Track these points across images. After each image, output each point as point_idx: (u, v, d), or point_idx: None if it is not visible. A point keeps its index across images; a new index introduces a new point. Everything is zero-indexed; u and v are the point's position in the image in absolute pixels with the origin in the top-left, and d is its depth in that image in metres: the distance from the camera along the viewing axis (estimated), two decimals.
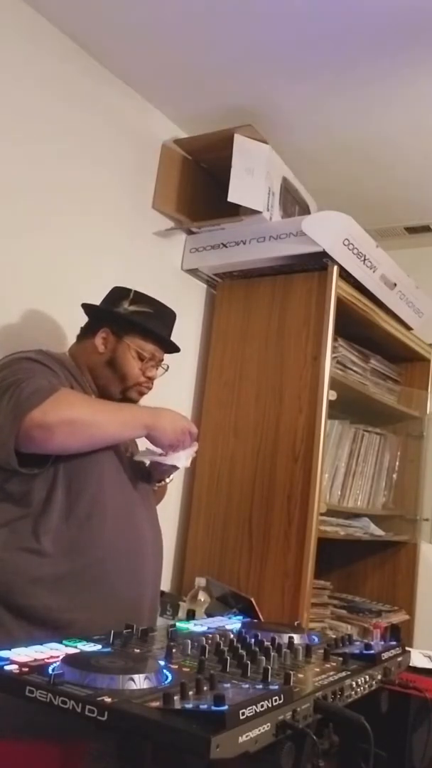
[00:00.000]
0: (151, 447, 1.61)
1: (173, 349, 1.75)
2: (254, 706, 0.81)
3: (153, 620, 1.60)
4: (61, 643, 1.07)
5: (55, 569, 1.41)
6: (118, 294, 1.71)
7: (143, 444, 1.64)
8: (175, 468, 1.67)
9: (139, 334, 1.66)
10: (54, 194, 2.00)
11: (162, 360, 1.72)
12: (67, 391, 1.44)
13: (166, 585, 2.29)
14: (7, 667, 0.91)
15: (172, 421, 1.57)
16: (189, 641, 1.11)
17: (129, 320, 1.65)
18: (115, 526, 1.50)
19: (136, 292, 1.70)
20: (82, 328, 1.72)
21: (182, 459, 1.62)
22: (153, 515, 1.68)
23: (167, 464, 1.63)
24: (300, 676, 1.03)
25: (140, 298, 1.69)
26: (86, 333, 1.70)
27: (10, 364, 1.49)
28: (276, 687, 0.91)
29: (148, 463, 1.68)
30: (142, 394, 1.69)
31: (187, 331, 2.51)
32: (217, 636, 1.21)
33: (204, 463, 2.39)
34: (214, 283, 2.58)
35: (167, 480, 1.77)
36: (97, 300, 1.74)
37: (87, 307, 1.73)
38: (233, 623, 1.42)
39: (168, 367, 1.75)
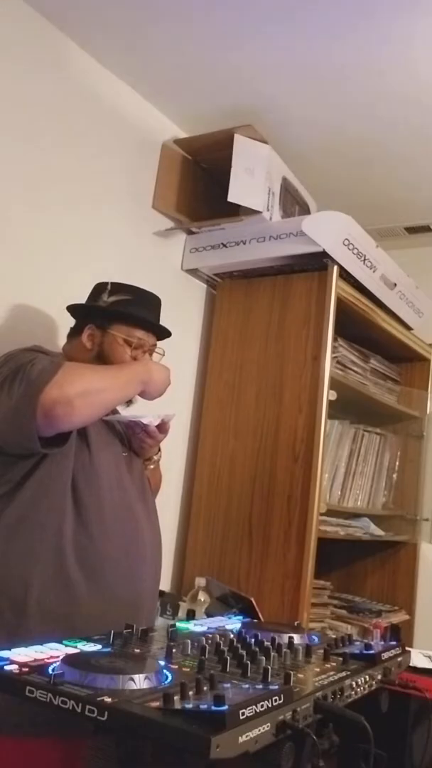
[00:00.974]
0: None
1: (162, 333, 1.73)
2: (254, 706, 0.81)
3: (151, 619, 1.60)
4: (61, 643, 1.07)
5: (54, 567, 1.41)
6: (97, 289, 1.72)
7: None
8: (149, 437, 1.65)
9: (122, 322, 1.65)
10: (53, 194, 2.00)
11: (155, 346, 1.72)
12: (71, 363, 1.46)
13: (166, 585, 2.29)
14: (7, 667, 0.91)
15: (160, 373, 1.60)
16: (189, 641, 1.11)
17: (109, 311, 1.65)
18: (113, 522, 1.50)
19: (113, 282, 1.69)
20: (71, 328, 1.73)
21: (147, 416, 1.63)
22: (152, 514, 1.68)
23: (132, 421, 1.63)
24: (300, 676, 1.03)
25: (118, 287, 1.69)
26: (74, 333, 1.70)
27: (9, 358, 1.49)
28: (276, 687, 0.91)
29: (117, 426, 1.68)
30: None
31: (187, 331, 2.51)
32: (217, 636, 1.21)
33: (204, 463, 2.40)
34: (214, 283, 2.58)
35: (155, 457, 1.76)
36: None
37: (70, 309, 1.74)
38: (233, 623, 1.42)
39: (164, 351, 1.74)
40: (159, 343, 1.74)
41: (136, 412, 1.67)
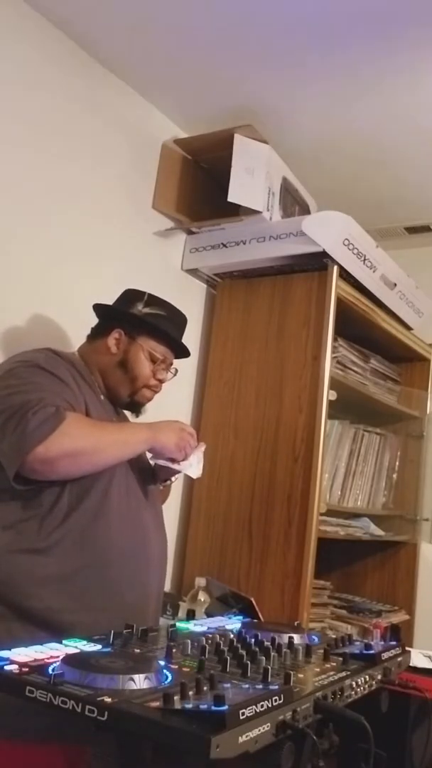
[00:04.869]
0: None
1: (183, 353, 1.75)
2: (254, 706, 0.81)
3: (156, 623, 1.60)
4: (61, 643, 1.07)
5: (59, 570, 1.40)
6: (132, 296, 1.71)
7: None
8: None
9: (152, 336, 1.66)
10: (54, 194, 2.00)
11: (171, 364, 1.72)
12: (73, 419, 1.41)
13: (166, 585, 2.29)
14: (7, 667, 0.91)
15: (170, 429, 1.59)
16: (189, 641, 1.11)
17: (143, 321, 1.66)
18: (121, 528, 1.49)
19: (150, 294, 1.71)
20: (93, 328, 1.72)
21: (194, 467, 1.63)
22: (159, 518, 1.68)
23: (179, 471, 1.64)
24: (300, 676, 1.03)
25: (154, 300, 1.70)
26: (98, 334, 1.69)
27: (19, 371, 1.47)
28: (276, 687, 0.91)
29: (162, 464, 1.66)
30: (150, 397, 1.69)
31: (188, 331, 2.49)
32: (217, 636, 1.21)
33: (204, 463, 2.39)
34: (214, 283, 2.58)
35: (173, 479, 1.76)
36: (98, 300, 1.74)
37: (99, 308, 1.73)
38: (233, 623, 1.42)
39: (177, 371, 1.75)
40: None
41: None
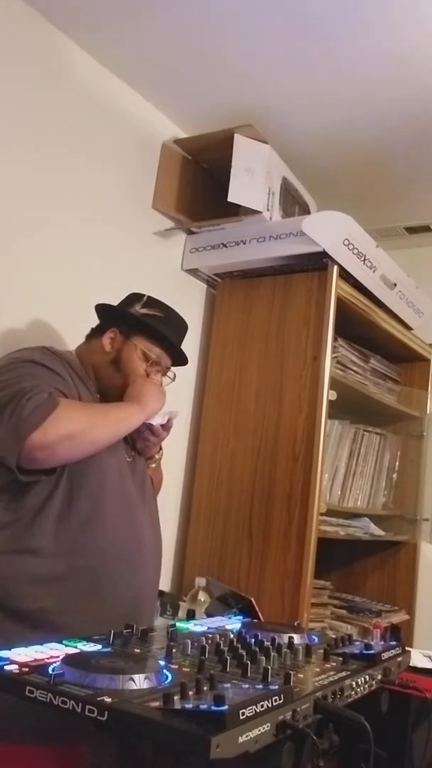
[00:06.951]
0: None
1: (181, 358, 1.74)
2: (254, 706, 0.81)
3: (151, 622, 1.60)
4: (61, 643, 1.07)
5: (52, 570, 1.40)
6: (132, 297, 1.72)
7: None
8: (154, 435, 1.65)
9: (147, 336, 1.66)
10: (54, 194, 2.00)
11: (169, 368, 1.72)
12: (65, 404, 1.42)
13: (166, 585, 2.29)
14: (7, 667, 0.91)
15: (153, 397, 1.59)
16: (189, 641, 1.11)
17: (138, 321, 1.66)
18: (114, 528, 1.49)
19: (149, 297, 1.71)
20: (92, 328, 1.72)
21: (157, 417, 1.62)
22: (154, 517, 1.67)
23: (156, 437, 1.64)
24: (300, 676, 1.02)
25: (153, 302, 1.70)
26: (95, 333, 1.70)
27: (14, 366, 1.48)
28: (276, 687, 0.91)
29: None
30: None
31: (188, 332, 2.51)
32: (217, 636, 1.21)
33: (204, 463, 2.40)
34: (214, 283, 2.58)
35: (157, 456, 1.76)
36: (98, 300, 1.74)
37: (99, 308, 1.73)
38: (233, 623, 1.42)
39: (175, 375, 1.74)
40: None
41: None
